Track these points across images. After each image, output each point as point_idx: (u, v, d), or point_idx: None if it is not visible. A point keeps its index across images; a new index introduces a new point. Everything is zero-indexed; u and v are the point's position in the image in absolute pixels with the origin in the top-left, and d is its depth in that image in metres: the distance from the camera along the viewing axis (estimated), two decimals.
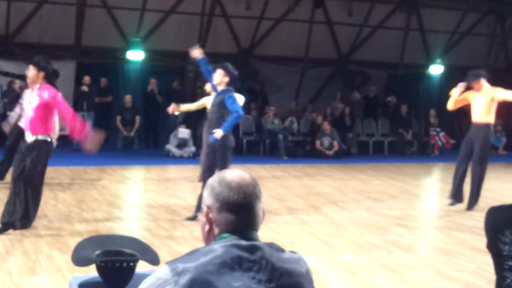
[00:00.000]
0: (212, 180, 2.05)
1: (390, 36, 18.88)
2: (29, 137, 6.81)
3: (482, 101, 9.06)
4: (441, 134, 17.49)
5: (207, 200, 2.03)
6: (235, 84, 8.12)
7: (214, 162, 7.66)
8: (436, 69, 19.23)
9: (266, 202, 8.33)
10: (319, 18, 17.86)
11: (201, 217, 2.05)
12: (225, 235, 1.97)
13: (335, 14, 17.96)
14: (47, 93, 6.76)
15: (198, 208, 7.70)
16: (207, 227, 2.03)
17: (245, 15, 17.08)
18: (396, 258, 6.31)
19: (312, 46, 18.01)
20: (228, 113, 7.70)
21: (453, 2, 18.29)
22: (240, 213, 1.98)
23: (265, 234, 7.11)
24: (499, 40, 19.94)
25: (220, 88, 7.87)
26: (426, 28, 19.09)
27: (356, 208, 9.05)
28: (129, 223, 7.79)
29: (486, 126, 9.09)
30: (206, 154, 7.96)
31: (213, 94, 8.47)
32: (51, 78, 7.02)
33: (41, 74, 6.83)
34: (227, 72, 7.96)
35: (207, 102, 9.70)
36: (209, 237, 2.03)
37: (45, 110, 6.77)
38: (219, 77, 7.89)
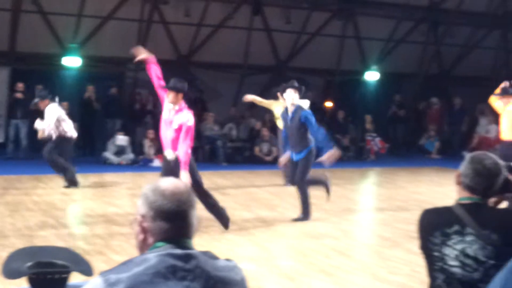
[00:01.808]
0: (146, 189, 2.04)
1: (327, 43, 19.17)
2: (170, 155, 7.31)
3: None
4: (377, 139, 17.87)
5: (141, 209, 2.02)
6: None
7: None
8: (371, 76, 19.63)
9: (205, 209, 8.33)
10: (258, 25, 17.97)
11: (135, 226, 2.04)
12: (160, 244, 1.96)
13: (273, 21, 18.12)
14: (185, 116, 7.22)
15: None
16: (141, 236, 2.02)
17: (184, 22, 17.04)
18: (333, 262, 6.41)
19: (251, 53, 18.12)
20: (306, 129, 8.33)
21: (388, 11, 18.73)
22: (174, 221, 1.98)
23: (204, 241, 7.11)
24: (432, 48, 20.51)
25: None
26: (362, 35, 19.47)
27: (294, 213, 9.13)
28: (65, 233, 7.64)
29: None
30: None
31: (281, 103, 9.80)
32: None
33: None
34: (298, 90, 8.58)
35: (274, 107, 11.41)
36: (143, 246, 2.02)
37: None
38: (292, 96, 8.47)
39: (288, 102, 8.54)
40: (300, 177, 8.44)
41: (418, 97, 20.30)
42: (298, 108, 8.45)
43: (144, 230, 2.01)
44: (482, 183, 2.98)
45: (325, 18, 18.48)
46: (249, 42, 17.97)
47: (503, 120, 9.96)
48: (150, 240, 2.00)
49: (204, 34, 17.63)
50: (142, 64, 18.04)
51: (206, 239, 7.27)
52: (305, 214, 8.50)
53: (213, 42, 17.75)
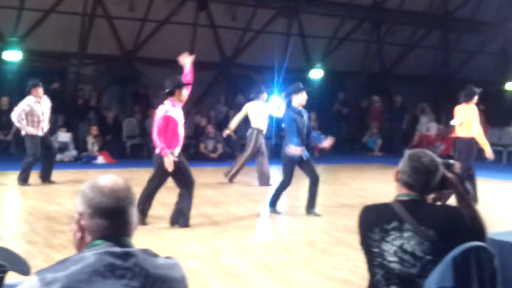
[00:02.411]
0: (84, 186, 2.02)
1: (272, 40, 19.25)
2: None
3: None
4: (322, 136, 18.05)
5: (79, 206, 2.00)
6: None
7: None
8: (316, 73, 19.84)
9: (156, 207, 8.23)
10: (203, 21, 17.93)
11: (73, 225, 2.02)
12: (98, 242, 1.94)
13: (219, 17, 18.11)
14: None
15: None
16: (79, 235, 2.00)
17: (128, 17, 16.85)
18: (277, 258, 6.47)
19: (196, 49, 17.98)
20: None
21: (331, 9, 18.97)
22: (112, 218, 1.96)
23: (148, 239, 7.07)
24: (375, 47, 20.87)
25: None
26: (306, 33, 19.66)
27: (239, 210, 9.18)
28: (4, 231, 7.46)
29: None
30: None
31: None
32: None
33: None
34: None
35: (248, 110, 12.00)
36: (81, 244, 2.00)
37: None
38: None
39: (302, 103, 8.93)
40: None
41: (361, 95, 20.63)
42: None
43: (81, 228, 1.99)
44: (420, 179, 3.05)
45: (270, 15, 18.58)
46: (195, 38, 17.90)
47: (459, 120, 10.28)
48: (88, 238, 1.98)
49: (149, 30, 17.47)
50: (85, 59, 17.75)
51: (149, 237, 7.24)
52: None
53: (158, 37, 17.61)
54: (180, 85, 7.62)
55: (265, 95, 12.17)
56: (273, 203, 9.02)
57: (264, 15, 18.47)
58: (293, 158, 8.72)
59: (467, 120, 10.16)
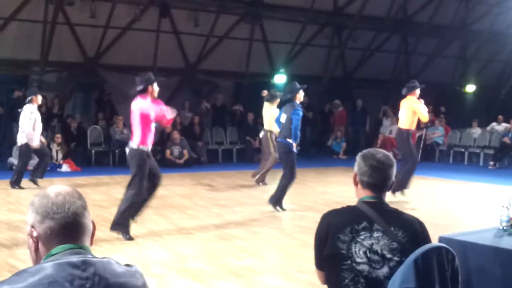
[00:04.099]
0: (34, 198, 2.02)
1: (235, 46, 19.34)
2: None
3: None
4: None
5: (30, 218, 1.99)
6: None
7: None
8: (280, 78, 19.96)
9: (115, 213, 8.23)
10: (166, 27, 17.90)
11: (28, 239, 2.01)
12: (54, 251, 1.92)
13: (181, 24, 18.10)
14: None
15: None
16: (33, 247, 1.98)
17: (90, 24, 16.72)
18: (244, 263, 6.51)
19: (159, 56, 18.01)
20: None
21: (293, 15, 19.12)
22: (62, 222, 1.94)
23: (113, 246, 7.05)
24: (336, 51, 21.09)
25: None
26: (269, 39, 19.78)
27: (205, 216, 9.21)
28: None
29: None
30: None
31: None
32: None
33: None
34: None
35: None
36: (37, 257, 1.98)
37: None
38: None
39: (301, 100, 9.77)
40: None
41: (324, 99, 20.82)
42: None
43: (35, 240, 1.97)
44: (380, 176, 3.07)
45: (233, 21, 18.64)
46: (158, 45, 17.86)
47: (402, 111, 10.84)
48: (43, 249, 1.96)
49: (111, 37, 17.37)
50: (47, 66, 17.59)
51: (115, 244, 7.22)
52: None
53: (120, 44, 17.52)
54: (152, 81, 7.56)
55: (278, 100, 12.55)
56: (279, 201, 9.57)
57: (227, 21, 18.53)
58: (295, 152, 9.44)
59: (410, 111, 10.65)
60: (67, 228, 1.95)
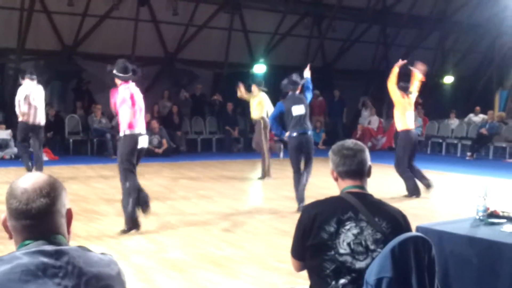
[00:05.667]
0: (8, 187, 2.01)
1: (215, 35, 19.28)
2: None
3: None
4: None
5: (5, 208, 2.00)
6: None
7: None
8: (259, 68, 19.95)
9: (94, 203, 8.28)
10: (144, 16, 17.78)
11: (3, 227, 2.02)
12: (27, 242, 1.92)
13: (160, 12, 17.99)
14: None
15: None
16: (8, 236, 1.99)
17: (67, 11, 16.55)
18: (224, 253, 6.52)
19: (138, 44, 17.90)
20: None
21: (272, 4, 19.10)
22: (25, 223, 1.93)
23: (92, 235, 7.02)
24: (316, 41, 21.12)
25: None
26: (248, 28, 19.74)
27: (184, 206, 9.20)
28: None
29: None
30: None
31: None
32: None
33: None
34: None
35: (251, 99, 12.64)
36: (15, 243, 1.98)
37: None
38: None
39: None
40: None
41: None
42: None
43: (8, 231, 1.99)
44: (353, 161, 3.12)
45: (212, 10, 18.57)
46: (136, 33, 17.74)
47: (397, 112, 10.61)
48: (17, 238, 1.96)
49: (89, 25, 17.22)
50: (24, 54, 17.44)
51: (93, 233, 7.19)
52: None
53: (99, 33, 17.38)
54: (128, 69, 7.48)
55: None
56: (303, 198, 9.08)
57: (206, 10, 18.44)
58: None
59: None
60: (29, 227, 1.93)
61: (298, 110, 9.21)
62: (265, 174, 12.49)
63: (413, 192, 10.36)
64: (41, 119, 11.22)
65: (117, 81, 7.45)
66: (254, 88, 12.69)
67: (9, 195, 1.98)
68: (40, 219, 1.93)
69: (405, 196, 10.32)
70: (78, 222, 7.61)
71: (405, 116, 10.49)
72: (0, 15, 15.94)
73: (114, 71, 7.42)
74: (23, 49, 16.40)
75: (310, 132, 9.36)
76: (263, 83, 13.05)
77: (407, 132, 10.49)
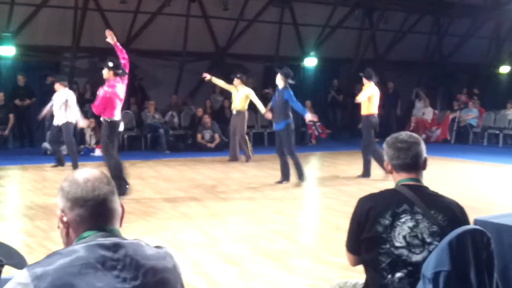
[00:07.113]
0: (63, 182, 2.05)
1: (265, 29, 19.27)
2: None
3: None
4: (317, 124, 18.14)
5: (60, 203, 2.02)
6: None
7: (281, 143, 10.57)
8: (310, 62, 19.86)
9: (149, 197, 8.38)
10: (195, 12, 17.91)
11: (58, 223, 2.05)
12: (86, 234, 1.95)
13: (210, 8, 18.09)
14: None
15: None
16: (65, 231, 2.02)
17: (120, 9, 16.81)
18: (277, 246, 6.53)
19: (189, 40, 18.05)
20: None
21: None
22: (92, 209, 1.97)
23: (148, 230, 7.14)
24: (367, 33, 20.88)
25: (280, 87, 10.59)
26: (299, 22, 19.65)
27: (237, 199, 9.25)
28: (5, 226, 7.52)
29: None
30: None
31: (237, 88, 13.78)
32: None
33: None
34: (283, 75, 10.54)
35: (233, 91, 13.95)
36: (68, 241, 2.01)
37: None
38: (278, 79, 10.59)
39: (278, 83, 10.63)
40: (288, 148, 10.54)
41: (355, 82, 20.65)
42: (283, 89, 10.52)
43: (66, 224, 2.00)
44: (408, 154, 3.08)
45: (262, 4, 18.56)
46: (187, 29, 17.89)
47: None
48: (74, 233, 1.99)
49: (142, 21, 17.45)
50: (79, 52, 17.82)
51: (149, 227, 7.30)
52: (300, 175, 10.76)
53: (151, 29, 17.60)
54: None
55: None
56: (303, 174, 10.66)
57: (256, 5, 18.45)
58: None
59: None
60: (96, 214, 1.98)
61: None
62: (249, 156, 13.80)
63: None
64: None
65: (110, 75, 9.22)
66: (236, 81, 13.91)
67: (69, 187, 2.01)
68: (104, 206, 1.99)
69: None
70: (133, 216, 7.75)
71: None
72: (55, 14, 16.31)
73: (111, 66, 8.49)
74: (77, 47, 16.76)
75: None
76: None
77: None
